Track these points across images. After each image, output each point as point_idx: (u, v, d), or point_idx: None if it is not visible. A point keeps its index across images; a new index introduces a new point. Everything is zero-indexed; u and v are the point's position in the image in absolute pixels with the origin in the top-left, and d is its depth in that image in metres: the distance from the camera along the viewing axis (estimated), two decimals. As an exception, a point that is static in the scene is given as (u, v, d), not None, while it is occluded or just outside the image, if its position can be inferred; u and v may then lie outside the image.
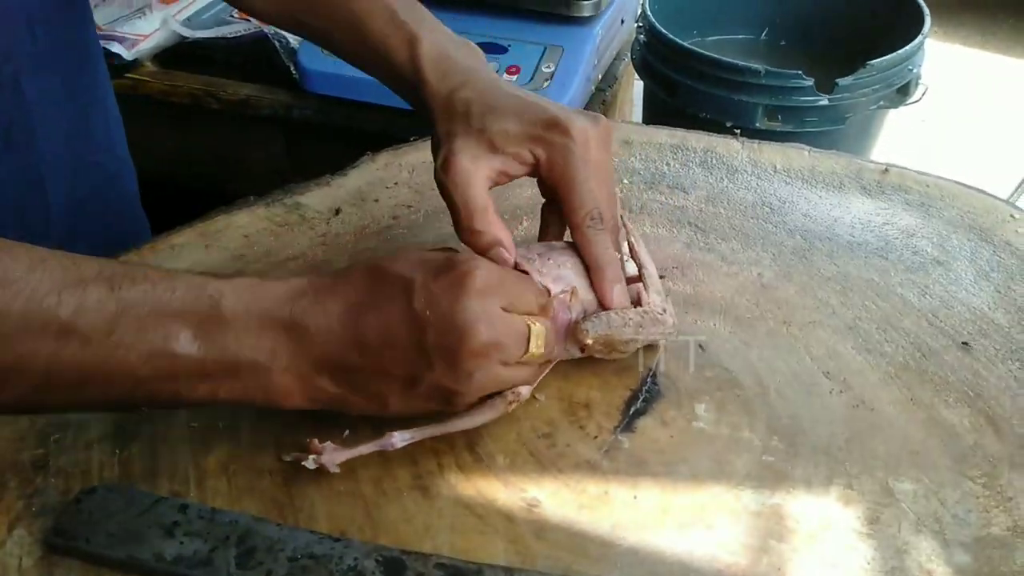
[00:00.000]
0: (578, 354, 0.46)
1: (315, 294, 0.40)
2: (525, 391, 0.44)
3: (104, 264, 0.38)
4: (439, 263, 0.41)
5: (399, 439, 0.42)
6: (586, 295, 0.46)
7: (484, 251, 0.45)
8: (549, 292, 0.45)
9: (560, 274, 0.46)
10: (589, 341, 0.45)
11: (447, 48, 0.51)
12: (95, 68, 0.62)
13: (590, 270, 0.46)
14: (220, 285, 0.39)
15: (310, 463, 0.41)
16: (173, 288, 0.38)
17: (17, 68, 0.53)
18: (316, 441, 0.42)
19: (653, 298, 0.47)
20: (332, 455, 0.41)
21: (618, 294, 0.46)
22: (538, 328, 0.42)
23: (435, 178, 0.48)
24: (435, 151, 0.49)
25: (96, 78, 0.63)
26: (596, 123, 0.48)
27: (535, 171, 0.48)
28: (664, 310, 0.47)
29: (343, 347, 0.39)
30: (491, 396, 0.43)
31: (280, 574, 0.36)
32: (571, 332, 0.45)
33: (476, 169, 0.46)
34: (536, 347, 0.42)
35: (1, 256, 0.35)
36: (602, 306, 0.46)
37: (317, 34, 0.56)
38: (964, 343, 0.50)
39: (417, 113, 0.53)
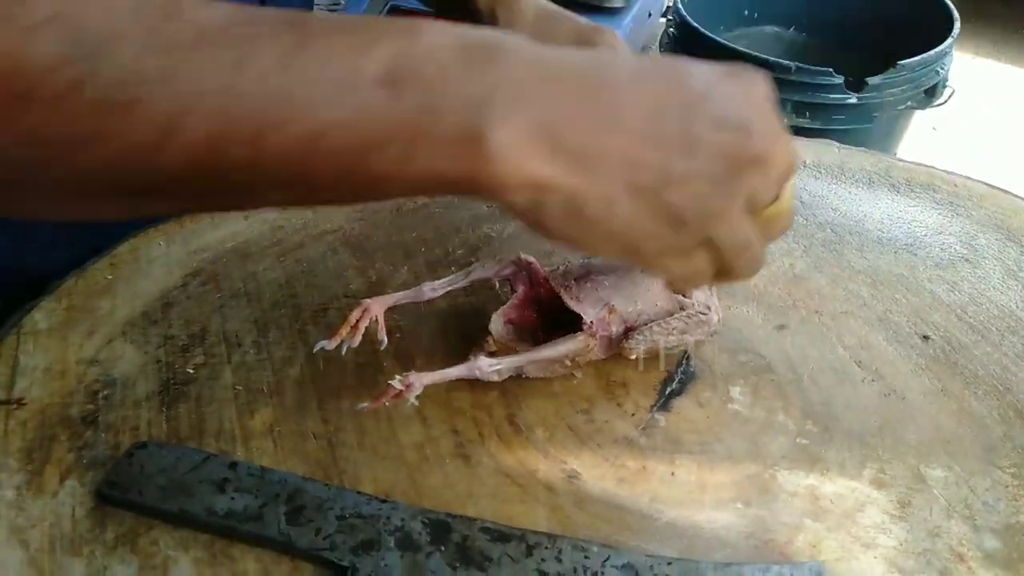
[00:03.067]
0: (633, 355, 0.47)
1: (557, 49, 0.32)
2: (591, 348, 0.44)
3: (279, 11, 0.30)
4: (721, 68, 0.33)
5: (486, 365, 0.42)
6: (625, 307, 0.46)
7: None
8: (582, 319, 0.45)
9: (598, 296, 0.46)
10: (633, 357, 0.46)
11: None
12: None
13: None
14: (420, 22, 0.31)
15: (396, 382, 0.39)
16: (359, 23, 0.31)
17: None
18: (398, 376, 0.41)
19: (696, 296, 0.47)
20: (419, 377, 0.41)
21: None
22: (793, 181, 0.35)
23: None
24: None
25: None
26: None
27: None
28: (709, 308, 0.47)
29: (583, 110, 0.30)
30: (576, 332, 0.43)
31: (329, 532, 0.37)
32: (614, 346, 0.46)
33: None
34: (787, 197, 0.35)
35: None
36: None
37: None
38: (925, 336, 0.50)
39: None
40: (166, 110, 0.27)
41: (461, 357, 0.45)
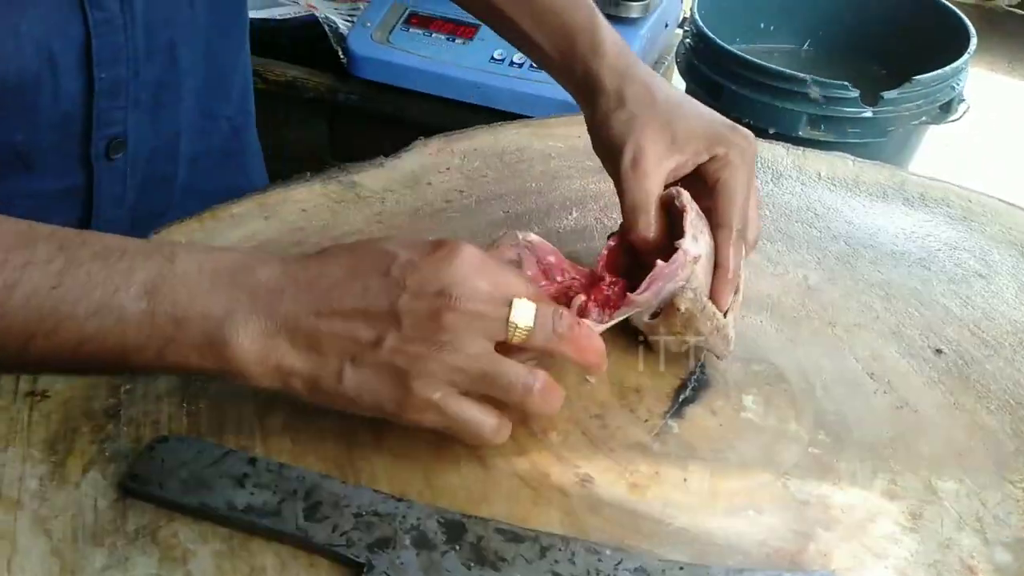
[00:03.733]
0: (646, 316, 0.46)
1: (282, 260, 0.39)
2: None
3: (59, 229, 0.37)
4: (426, 244, 0.39)
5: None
6: (700, 274, 0.45)
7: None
8: (672, 252, 0.43)
9: (700, 240, 0.45)
10: (682, 307, 0.44)
11: (615, 32, 0.53)
12: (241, 32, 0.65)
13: (718, 267, 0.46)
14: (174, 247, 0.38)
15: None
16: (124, 248, 0.37)
17: (174, 34, 0.56)
18: None
19: (729, 319, 0.47)
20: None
21: (729, 299, 0.47)
22: (523, 303, 0.38)
23: (606, 158, 0.50)
24: (611, 136, 0.49)
25: (242, 42, 0.66)
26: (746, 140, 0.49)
27: (698, 169, 0.48)
28: (733, 336, 0.48)
29: (307, 305, 0.37)
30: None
31: (346, 528, 0.38)
32: (672, 292, 0.44)
33: (661, 171, 0.47)
34: (519, 318, 0.38)
35: None
36: (713, 300, 0.46)
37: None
38: (939, 350, 0.50)
39: (566, 78, 0.54)
40: None
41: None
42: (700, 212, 0.47)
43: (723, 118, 0.50)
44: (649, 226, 0.47)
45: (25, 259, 0.35)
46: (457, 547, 0.37)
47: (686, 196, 0.47)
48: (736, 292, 0.48)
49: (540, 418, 0.42)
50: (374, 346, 0.37)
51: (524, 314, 0.38)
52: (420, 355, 0.37)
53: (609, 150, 0.49)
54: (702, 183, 0.49)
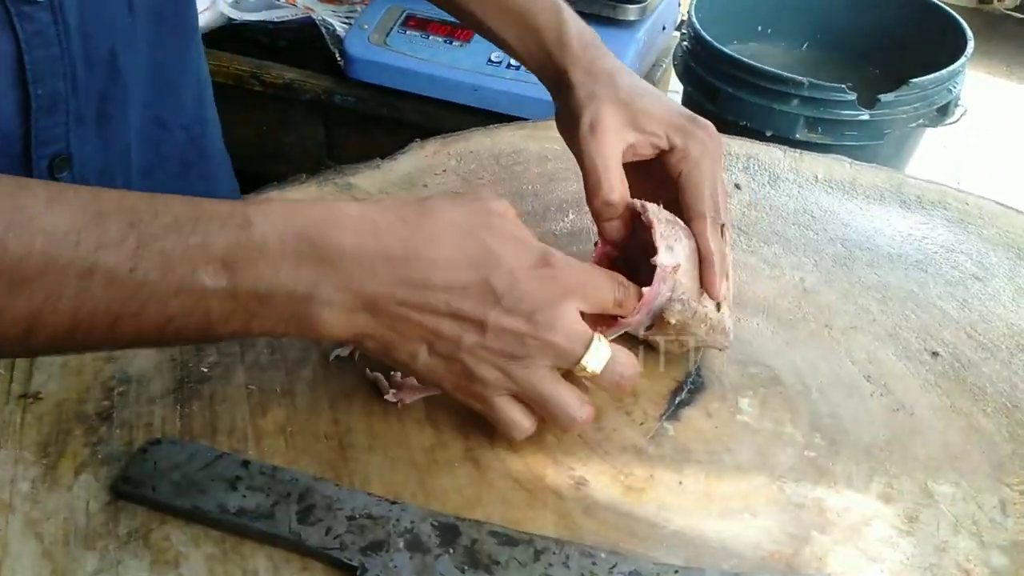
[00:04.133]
0: (642, 331, 0.47)
1: (371, 220, 0.38)
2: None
3: (124, 196, 0.36)
4: (534, 255, 0.40)
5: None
6: (684, 280, 0.45)
7: (605, 221, 0.48)
8: (639, 282, 0.43)
9: (676, 247, 0.45)
10: (673, 320, 0.45)
11: (583, 26, 0.54)
12: (189, 37, 0.64)
13: (702, 259, 0.46)
14: (248, 209, 0.37)
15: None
16: (198, 216, 0.36)
17: (114, 43, 0.54)
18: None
19: (725, 310, 0.47)
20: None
21: (724, 289, 0.47)
22: (599, 348, 0.40)
23: (569, 136, 0.50)
24: (573, 112, 0.50)
25: (189, 46, 0.64)
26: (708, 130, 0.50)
27: (660, 156, 0.49)
28: (730, 325, 0.47)
29: (397, 290, 0.37)
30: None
31: (339, 531, 0.38)
32: (660, 306, 0.45)
33: (618, 140, 0.48)
34: (590, 362, 0.40)
35: (17, 193, 0.33)
36: (707, 294, 0.46)
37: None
38: (935, 352, 0.50)
39: (539, 75, 0.54)
40: (25, 315, 0.33)
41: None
42: (671, 218, 0.47)
43: (685, 109, 0.50)
44: (612, 190, 0.47)
45: (97, 240, 0.34)
46: (451, 550, 0.37)
47: (652, 208, 0.46)
48: (726, 278, 0.48)
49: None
50: (453, 342, 0.39)
51: (597, 359, 0.40)
52: (492, 362, 0.39)
53: (569, 122, 0.50)
54: (666, 177, 0.49)
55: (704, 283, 0.46)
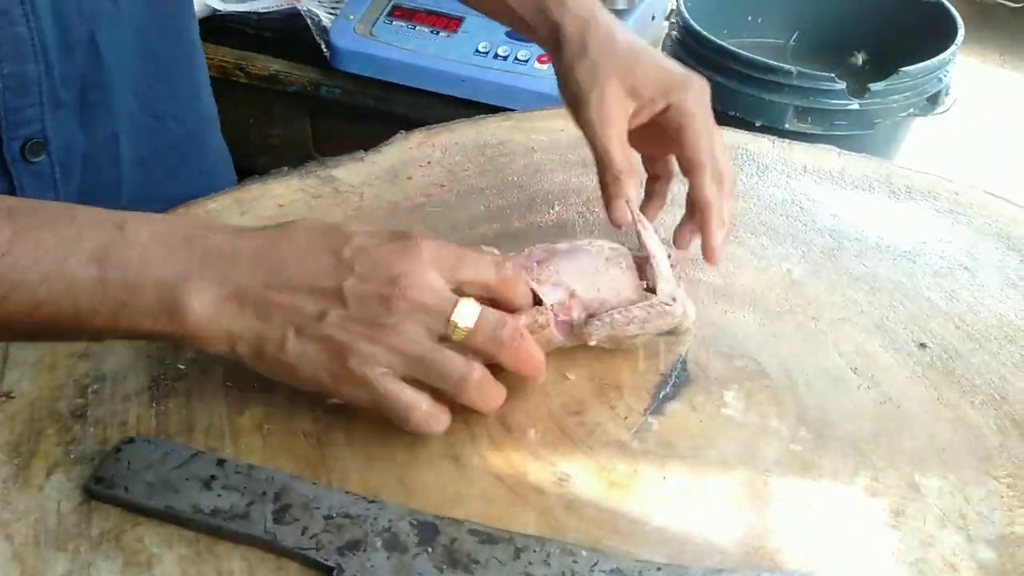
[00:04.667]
0: (592, 341, 0.46)
1: (237, 230, 0.40)
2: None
3: (8, 198, 0.39)
4: (387, 232, 0.40)
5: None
6: (586, 294, 0.46)
7: (612, 199, 0.50)
8: (540, 302, 0.44)
9: (559, 280, 0.46)
10: (593, 343, 0.46)
11: None
12: (182, 27, 0.63)
13: (702, 209, 0.49)
14: (125, 215, 0.39)
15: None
16: (73, 216, 0.38)
17: (94, 28, 0.53)
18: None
19: (662, 287, 0.47)
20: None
21: (722, 238, 0.49)
22: (468, 304, 0.39)
23: (573, 108, 0.52)
24: (577, 88, 0.51)
25: (182, 37, 0.63)
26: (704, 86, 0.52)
27: (656, 117, 0.51)
28: (673, 299, 0.47)
29: (258, 276, 0.38)
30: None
31: (316, 531, 0.37)
32: (575, 333, 0.46)
33: (622, 113, 0.50)
34: (461, 318, 0.39)
35: None
36: (705, 244, 0.48)
37: None
38: (922, 344, 0.50)
39: (533, 36, 0.55)
40: None
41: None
42: (551, 250, 0.48)
43: (677, 66, 0.52)
44: (625, 161, 0.49)
45: None
46: (429, 549, 0.37)
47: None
48: (722, 227, 0.50)
49: (480, 412, 0.42)
50: (317, 319, 0.38)
51: (467, 314, 0.39)
52: (360, 333, 0.38)
53: (575, 99, 0.51)
54: (662, 132, 0.51)
55: (705, 234, 0.49)
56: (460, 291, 0.40)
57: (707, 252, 0.51)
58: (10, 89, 0.50)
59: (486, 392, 0.41)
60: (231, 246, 0.39)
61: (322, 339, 0.38)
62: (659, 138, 0.52)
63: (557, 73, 0.53)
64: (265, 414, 0.44)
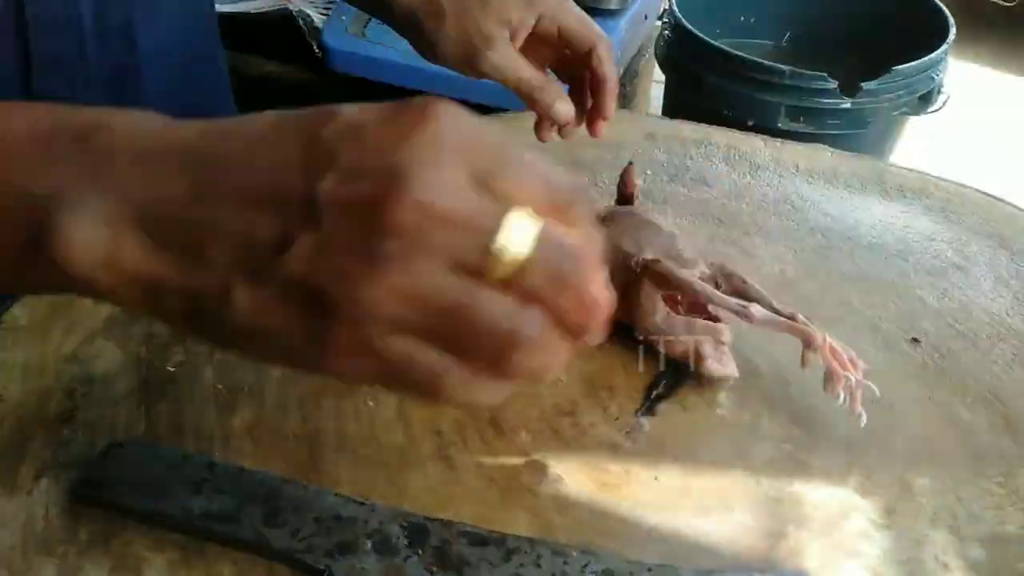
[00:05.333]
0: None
1: (167, 119, 0.27)
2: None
3: None
4: (390, 105, 0.25)
5: (758, 312, 0.45)
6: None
7: (543, 110, 0.52)
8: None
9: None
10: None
11: None
12: (209, 26, 0.63)
13: (599, 82, 0.52)
14: (27, 105, 0.28)
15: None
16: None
17: (131, 14, 0.53)
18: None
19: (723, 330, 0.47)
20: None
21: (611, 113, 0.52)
22: (519, 217, 0.24)
23: (468, 65, 0.53)
24: (435, 28, 0.52)
25: (211, 35, 0.63)
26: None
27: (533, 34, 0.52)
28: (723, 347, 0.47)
29: (182, 183, 0.25)
30: None
31: (306, 534, 0.37)
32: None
33: (511, 51, 0.51)
34: (512, 241, 0.23)
35: None
36: (597, 117, 0.53)
37: None
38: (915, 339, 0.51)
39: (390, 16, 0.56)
40: None
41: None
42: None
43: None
44: (538, 75, 0.52)
45: None
46: (420, 551, 0.36)
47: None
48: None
49: (538, 382, 0.28)
50: (277, 251, 0.24)
51: (522, 234, 0.24)
52: (348, 272, 0.23)
53: (462, 57, 0.53)
54: (547, 44, 0.53)
55: (599, 106, 0.52)
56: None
57: (595, 126, 0.54)
58: (44, 67, 0.49)
59: (552, 351, 0.25)
60: (145, 140, 0.26)
61: (288, 286, 0.24)
62: (547, 49, 0.54)
63: (419, 48, 0.55)
64: (255, 416, 0.44)
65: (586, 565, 0.36)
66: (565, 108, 0.52)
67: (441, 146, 0.24)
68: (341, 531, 0.37)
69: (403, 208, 0.23)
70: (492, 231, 0.23)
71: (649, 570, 0.37)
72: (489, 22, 0.51)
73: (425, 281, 0.23)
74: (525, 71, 0.52)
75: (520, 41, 0.52)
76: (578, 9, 0.53)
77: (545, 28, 0.53)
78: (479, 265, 0.24)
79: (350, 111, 0.25)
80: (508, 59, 0.51)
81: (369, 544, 0.37)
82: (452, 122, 0.24)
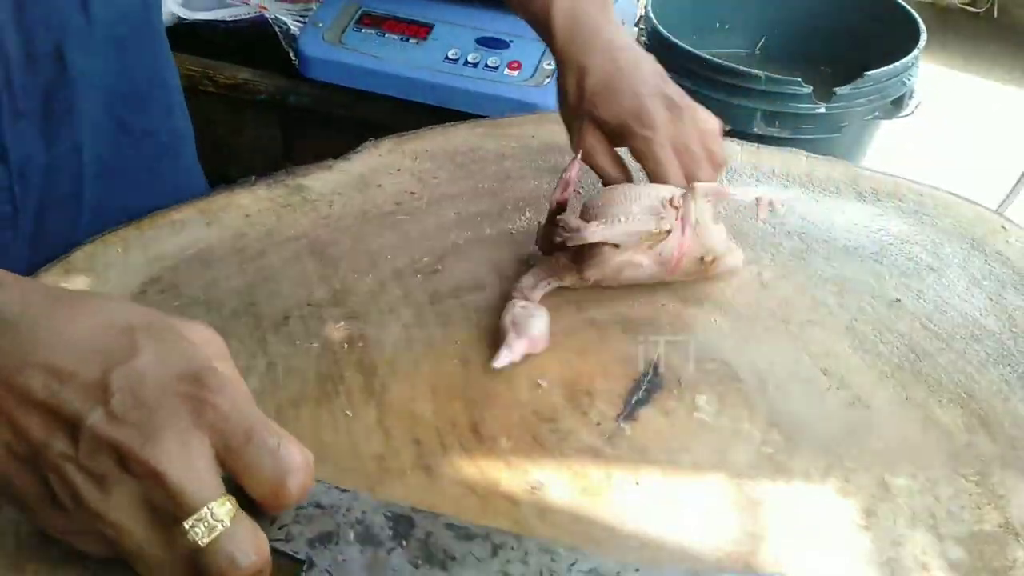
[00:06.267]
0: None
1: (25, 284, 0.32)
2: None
3: None
4: (190, 367, 0.31)
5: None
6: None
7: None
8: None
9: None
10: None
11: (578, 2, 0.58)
12: (156, 42, 0.62)
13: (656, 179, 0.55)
14: None
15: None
16: None
17: (61, 40, 0.52)
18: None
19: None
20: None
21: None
22: (224, 510, 0.30)
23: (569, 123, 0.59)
24: (561, 100, 0.59)
25: (156, 51, 0.62)
26: (678, 112, 0.55)
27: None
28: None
29: None
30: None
31: (285, 521, 0.35)
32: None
33: (601, 144, 0.56)
34: (198, 527, 0.30)
35: None
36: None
37: None
38: (897, 299, 0.54)
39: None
40: None
41: (430, 367, 0.43)
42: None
43: (656, 86, 0.56)
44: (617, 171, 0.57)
45: None
46: (404, 543, 0.35)
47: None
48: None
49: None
50: (37, 447, 0.30)
51: (206, 527, 0.30)
52: (80, 493, 0.30)
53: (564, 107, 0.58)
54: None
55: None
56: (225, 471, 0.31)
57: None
58: None
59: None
60: None
61: (40, 480, 0.30)
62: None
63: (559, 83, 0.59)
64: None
65: (574, 563, 0.36)
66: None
67: (199, 422, 0.30)
68: (322, 520, 0.35)
69: (137, 464, 0.29)
70: (191, 508, 0.30)
71: (636, 570, 0.36)
72: (589, 132, 0.56)
73: (124, 518, 0.30)
74: (612, 172, 0.56)
75: (617, 143, 0.57)
76: (663, 151, 0.55)
77: (634, 149, 0.56)
78: (171, 530, 0.30)
79: (145, 362, 0.30)
80: (594, 164, 0.57)
81: (351, 534, 0.35)
82: (222, 403, 0.30)
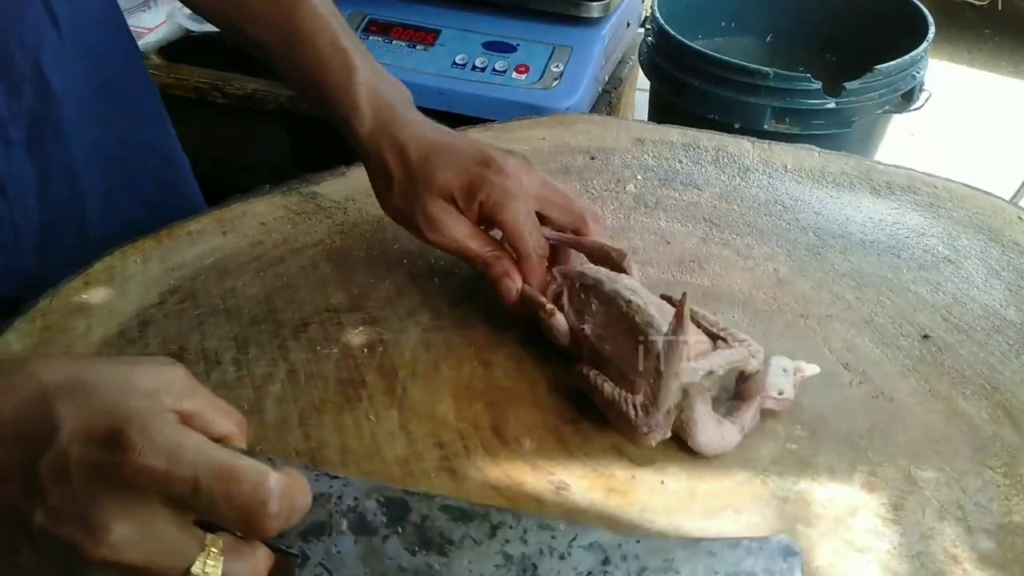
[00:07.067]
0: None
1: None
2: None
3: None
4: (108, 424, 0.28)
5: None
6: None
7: (498, 280, 0.48)
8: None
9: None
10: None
11: (380, 83, 0.52)
12: (131, 52, 0.62)
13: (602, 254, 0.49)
14: None
15: None
16: None
17: (39, 56, 0.52)
18: None
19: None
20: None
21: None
22: (211, 563, 0.30)
23: (398, 216, 0.51)
24: (384, 189, 0.51)
25: (133, 62, 0.62)
26: (515, 157, 0.49)
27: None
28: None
29: None
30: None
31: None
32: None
33: (454, 226, 0.48)
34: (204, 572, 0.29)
35: None
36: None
37: (252, 42, 0.54)
38: (925, 335, 0.50)
39: (344, 138, 0.54)
40: None
41: (450, 369, 0.43)
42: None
43: (478, 150, 0.49)
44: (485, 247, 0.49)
45: None
46: (399, 529, 0.34)
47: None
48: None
49: None
50: (10, 553, 0.29)
51: (208, 570, 0.30)
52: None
53: (403, 220, 0.51)
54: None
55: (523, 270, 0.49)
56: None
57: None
58: None
59: None
60: None
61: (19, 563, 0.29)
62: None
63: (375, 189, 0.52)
64: (256, 434, 0.43)
65: (573, 539, 0.35)
66: (507, 286, 0.48)
67: (140, 489, 0.28)
68: (314, 510, 0.34)
69: (101, 562, 0.28)
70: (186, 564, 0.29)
71: (638, 542, 0.35)
72: (431, 203, 0.48)
73: None
74: (472, 245, 0.48)
75: (473, 207, 0.48)
76: (515, 203, 0.48)
77: (488, 212, 0.48)
78: None
79: (66, 437, 0.28)
80: (449, 237, 0.48)
81: (344, 524, 0.34)
82: (155, 451, 0.28)
